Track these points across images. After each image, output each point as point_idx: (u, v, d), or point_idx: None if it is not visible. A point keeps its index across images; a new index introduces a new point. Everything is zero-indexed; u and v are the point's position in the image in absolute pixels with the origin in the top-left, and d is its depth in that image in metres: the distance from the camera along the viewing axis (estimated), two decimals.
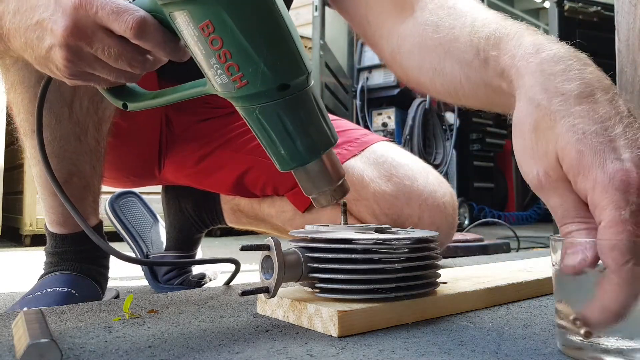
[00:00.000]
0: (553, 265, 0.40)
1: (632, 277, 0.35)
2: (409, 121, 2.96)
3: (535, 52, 0.44)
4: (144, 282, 1.06)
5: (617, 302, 0.36)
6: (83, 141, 0.70)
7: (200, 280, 1.00)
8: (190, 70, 0.93)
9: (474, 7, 0.58)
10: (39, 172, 0.71)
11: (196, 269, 1.05)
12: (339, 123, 0.93)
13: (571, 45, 0.46)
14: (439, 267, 0.55)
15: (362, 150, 0.84)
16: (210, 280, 1.03)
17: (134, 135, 0.88)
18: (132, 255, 1.07)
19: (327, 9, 2.61)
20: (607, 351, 0.36)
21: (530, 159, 0.41)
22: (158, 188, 1.09)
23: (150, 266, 0.99)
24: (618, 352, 0.36)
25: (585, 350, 0.37)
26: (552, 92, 0.41)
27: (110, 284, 0.85)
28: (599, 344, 0.36)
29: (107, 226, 1.09)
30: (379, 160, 0.82)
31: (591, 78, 0.42)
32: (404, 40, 0.65)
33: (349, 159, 0.83)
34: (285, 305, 0.51)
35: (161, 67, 0.87)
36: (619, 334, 0.36)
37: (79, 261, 0.74)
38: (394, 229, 0.56)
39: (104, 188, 1.14)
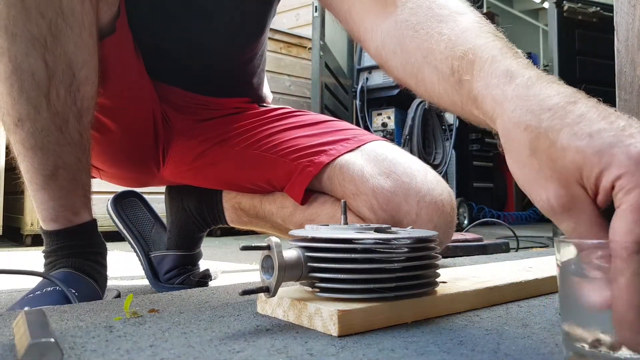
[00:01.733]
0: (558, 266, 0.38)
1: None
2: (409, 121, 2.96)
3: (510, 80, 0.43)
4: (145, 282, 1.07)
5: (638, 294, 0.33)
6: (65, 132, 0.70)
7: (201, 279, 1.01)
8: (179, 71, 0.94)
9: (453, 9, 0.56)
10: (26, 168, 0.71)
11: (199, 269, 1.05)
12: (336, 123, 0.94)
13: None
14: (438, 266, 0.55)
15: (359, 146, 0.85)
16: (211, 279, 1.03)
17: (124, 134, 0.89)
18: (134, 254, 1.08)
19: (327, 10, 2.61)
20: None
21: (536, 186, 0.39)
22: (160, 189, 1.09)
23: None
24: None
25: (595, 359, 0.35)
26: (537, 111, 0.39)
27: (111, 283, 0.86)
28: (610, 353, 0.34)
29: (109, 225, 1.09)
30: (379, 157, 0.82)
31: (568, 91, 0.40)
32: (386, 37, 0.63)
33: (344, 154, 0.84)
34: (285, 304, 0.51)
35: (151, 67, 0.88)
36: None
37: (73, 257, 0.75)
38: (393, 229, 0.57)
39: (107, 188, 1.15)
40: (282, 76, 3.16)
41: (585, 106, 0.38)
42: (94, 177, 0.98)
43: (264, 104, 1.04)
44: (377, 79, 3.05)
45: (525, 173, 0.40)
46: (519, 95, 0.41)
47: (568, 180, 0.37)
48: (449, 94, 0.52)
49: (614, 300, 0.34)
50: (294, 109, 1.00)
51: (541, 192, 0.39)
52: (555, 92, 0.40)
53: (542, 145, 0.39)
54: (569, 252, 0.37)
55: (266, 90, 1.07)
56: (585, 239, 0.37)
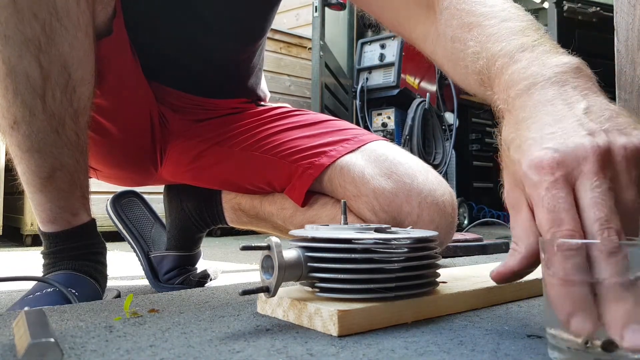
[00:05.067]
0: (546, 269, 0.39)
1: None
2: (409, 121, 2.96)
3: (508, 90, 0.49)
4: (145, 282, 1.07)
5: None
6: (61, 134, 0.69)
7: (201, 279, 1.01)
8: (176, 72, 0.94)
9: (481, 13, 0.59)
10: (23, 170, 0.71)
11: (198, 269, 1.05)
12: (336, 123, 0.94)
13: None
14: (438, 266, 0.55)
15: (359, 147, 0.84)
16: (211, 279, 1.03)
17: (122, 135, 0.89)
18: (134, 254, 1.07)
19: (327, 9, 2.61)
20: (601, 357, 0.36)
21: (504, 184, 0.47)
22: (159, 188, 1.09)
23: None
24: (611, 358, 0.36)
25: (579, 357, 0.36)
26: (512, 123, 0.47)
27: (111, 283, 0.85)
28: (592, 350, 0.36)
29: (109, 226, 1.09)
30: (380, 158, 0.82)
31: (549, 95, 0.45)
32: (435, 47, 0.69)
33: (344, 155, 0.83)
34: (285, 304, 0.51)
35: (147, 68, 0.89)
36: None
37: (74, 259, 0.74)
38: (393, 229, 0.57)
39: (106, 188, 1.15)
40: (282, 76, 3.16)
41: (538, 123, 0.44)
42: (91, 178, 0.98)
43: (262, 103, 1.04)
44: (377, 79, 3.05)
45: (502, 170, 0.48)
46: (509, 109, 0.48)
47: (514, 184, 0.45)
48: (488, 100, 0.58)
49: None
50: (292, 108, 1.00)
51: (504, 185, 0.47)
52: (535, 100, 0.45)
53: (505, 153, 0.47)
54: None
55: (264, 89, 1.07)
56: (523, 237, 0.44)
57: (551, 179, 0.40)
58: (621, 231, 0.38)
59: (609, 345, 0.35)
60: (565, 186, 0.39)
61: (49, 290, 0.69)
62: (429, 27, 0.69)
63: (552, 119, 0.43)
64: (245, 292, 0.47)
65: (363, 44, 3.11)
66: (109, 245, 0.82)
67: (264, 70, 1.07)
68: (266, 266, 0.50)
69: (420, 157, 1.11)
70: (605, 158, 0.40)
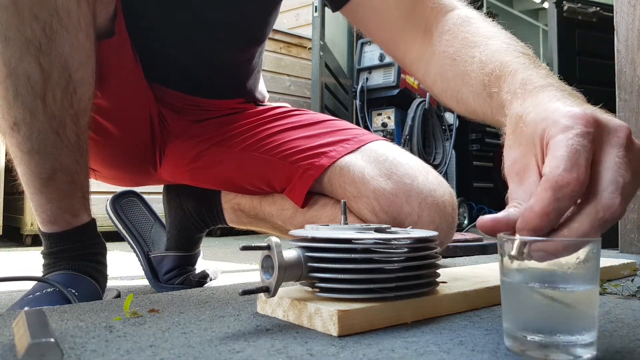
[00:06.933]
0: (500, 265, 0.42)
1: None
2: (409, 121, 2.96)
3: (523, 87, 0.51)
4: (145, 282, 1.07)
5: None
6: (62, 135, 0.69)
7: (201, 279, 1.01)
8: (176, 74, 0.94)
9: (485, 35, 0.64)
10: (23, 171, 0.70)
11: (198, 269, 1.05)
12: (336, 123, 0.93)
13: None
14: (438, 266, 0.55)
15: (359, 147, 0.84)
16: (211, 279, 1.03)
17: (122, 136, 0.89)
18: (134, 254, 1.07)
19: (327, 9, 2.61)
20: (549, 347, 0.38)
21: (506, 153, 0.47)
22: (159, 188, 1.09)
23: None
24: (557, 346, 0.38)
25: (529, 348, 0.39)
26: (526, 105, 0.48)
27: (111, 283, 0.85)
28: (542, 341, 0.38)
29: (109, 226, 1.09)
30: (380, 158, 0.82)
31: (560, 94, 0.47)
32: (428, 67, 0.73)
33: (344, 155, 0.83)
34: (285, 304, 0.51)
35: (148, 69, 0.89)
36: (559, 331, 0.38)
37: (74, 259, 0.74)
38: (393, 229, 0.57)
39: (105, 188, 1.15)
40: (282, 76, 3.16)
41: (563, 101, 0.46)
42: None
43: (261, 103, 1.04)
44: (377, 79, 3.05)
45: (506, 146, 0.48)
46: (524, 97, 0.50)
47: (526, 151, 0.45)
48: (483, 108, 0.61)
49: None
50: (292, 108, 1.00)
51: (507, 158, 0.47)
52: (550, 95, 0.48)
53: (518, 124, 0.47)
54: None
55: (262, 89, 1.07)
56: (515, 196, 0.45)
57: (584, 129, 0.40)
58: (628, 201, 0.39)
59: None
60: (592, 142, 0.40)
61: (49, 290, 0.69)
62: (424, 50, 0.74)
63: (577, 103, 0.45)
64: (245, 292, 0.47)
65: (363, 44, 3.11)
66: (109, 245, 0.82)
67: (264, 70, 1.07)
68: (266, 266, 0.50)
69: (420, 157, 1.11)
70: (631, 142, 0.42)
